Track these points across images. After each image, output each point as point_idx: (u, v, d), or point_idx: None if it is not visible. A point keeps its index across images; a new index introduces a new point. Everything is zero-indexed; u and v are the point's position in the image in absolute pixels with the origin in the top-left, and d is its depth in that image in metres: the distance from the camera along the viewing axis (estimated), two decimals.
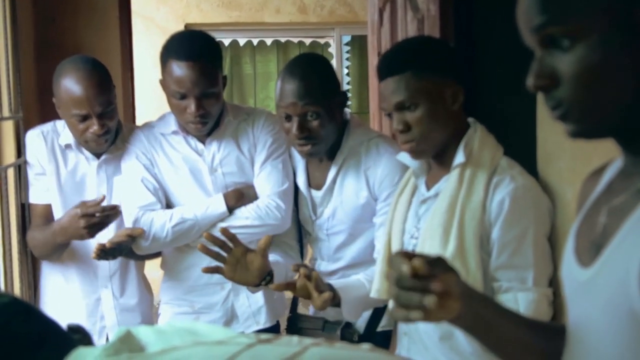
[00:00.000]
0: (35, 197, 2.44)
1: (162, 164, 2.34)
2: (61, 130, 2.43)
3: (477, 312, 1.09)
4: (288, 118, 2.13)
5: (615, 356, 0.94)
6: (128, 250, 2.30)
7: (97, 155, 2.41)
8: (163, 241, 2.26)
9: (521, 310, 1.70)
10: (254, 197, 2.32)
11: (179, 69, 2.18)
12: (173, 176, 2.34)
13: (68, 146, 2.40)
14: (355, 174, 2.21)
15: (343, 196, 2.23)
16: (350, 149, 2.22)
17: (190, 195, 2.32)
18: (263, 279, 2.07)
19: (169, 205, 2.35)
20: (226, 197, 2.30)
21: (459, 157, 1.81)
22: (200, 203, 2.29)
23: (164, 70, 2.24)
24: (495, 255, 1.76)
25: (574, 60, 0.93)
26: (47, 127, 2.46)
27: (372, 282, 2.07)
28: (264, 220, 2.27)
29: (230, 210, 2.29)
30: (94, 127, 2.26)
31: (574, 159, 1.77)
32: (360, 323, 2.29)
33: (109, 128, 2.31)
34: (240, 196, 2.31)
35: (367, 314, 2.28)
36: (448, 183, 1.82)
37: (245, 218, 2.27)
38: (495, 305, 1.15)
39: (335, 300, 2.02)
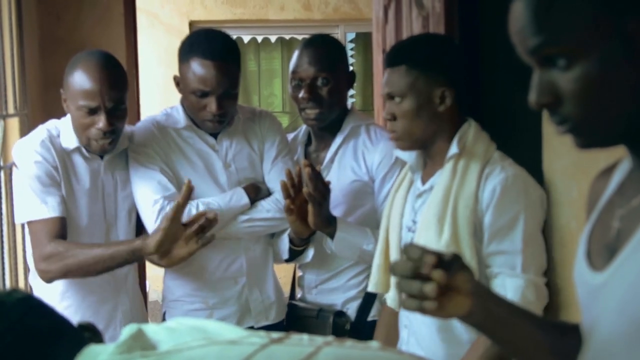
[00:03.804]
0: (47, 209, 2.15)
1: (177, 158, 2.33)
2: (61, 132, 2.26)
3: (489, 310, 1.09)
4: (299, 86, 2.31)
5: None
6: None
7: (100, 156, 2.28)
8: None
9: (509, 295, 1.72)
10: (267, 192, 2.35)
11: (204, 67, 2.20)
12: (189, 170, 2.32)
13: (73, 150, 2.24)
14: (353, 152, 2.36)
15: (340, 172, 2.32)
16: (351, 130, 2.37)
17: (205, 189, 2.32)
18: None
19: None
20: (246, 190, 2.32)
21: (453, 149, 1.86)
22: (221, 195, 2.30)
23: (185, 67, 2.25)
24: (487, 241, 1.80)
25: (574, 78, 0.93)
26: (45, 131, 2.25)
27: (376, 233, 2.19)
28: (284, 213, 2.29)
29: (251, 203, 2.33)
30: (101, 122, 2.13)
31: (580, 156, 1.77)
32: (351, 312, 2.35)
33: (116, 129, 2.18)
34: (258, 190, 2.35)
35: (357, 303, 2.34)
36: (442, 175, 1.86)
37: (266, 211, 2.31)
38: (507, 304, 1.15)
39: (331, 229, 2.21)
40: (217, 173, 2.34)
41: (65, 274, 2.15)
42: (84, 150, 2.25)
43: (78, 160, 2.27)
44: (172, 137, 2.34)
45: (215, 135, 2.36)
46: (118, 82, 2.19)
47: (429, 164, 1.95)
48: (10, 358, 1.01)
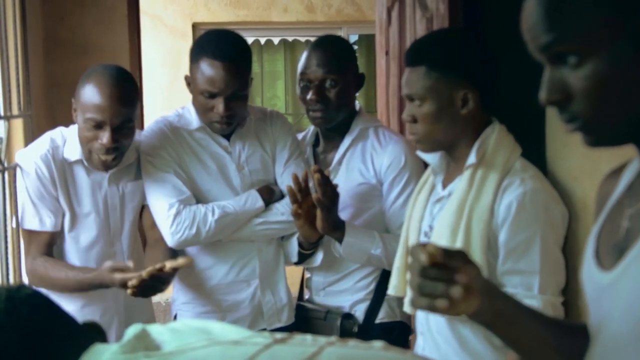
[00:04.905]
0: (41, 224, 2.23)
1: (190, 160, 2.32)
2: (67, 142, 2.26)
3: (497, 308, 1.09)
4: (307, 87, 2.31)
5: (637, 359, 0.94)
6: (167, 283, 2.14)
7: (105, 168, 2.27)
8: (205, 235, 2.23)
9: None
10: (280, 194, 2.35)
11: (213, 68, 2.18)
12: (202, 173, 2.32)
13: (76, 162, 2.24)
14: (362, 155, 2.35)
15: (348, 174, 2.32)
16: (359, 132, 2.37)
17: (218, 192, 2.31)
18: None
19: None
20: (260, 192, 2.31)
21: (471, 158, 1.79)
22: (236, 198, 2.29)
23: (194, 67, 2.24)
24: (502, 260, 1.74)
25: (584, 76, 0.93)
26: (49, 142, 2.25)
27: (383, 237, 2.23)
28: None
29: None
30: (105, 138, 2.11)
31: (583, 158, 1.77)
32: (359, 314, 2.35)
33: (121, 146, 2.16)
34: (271, 193, 2.34)
35: (365, 305, 2.34)
36: (459, 184, 1.81)
37: (281, 214, 2.31)
38: (515, 302, 1.15)
39: (339, 233, 2.20)
40: (231, 175, 2.33)
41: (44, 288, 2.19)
42: (85, 162, 2.24)
43: (79, 172, 2.26)
44: (185, 138, 2.33)
45: (227, 137, 2.34)
46: (127, 100, 2.16)
47: (452, 167, 1.88)
48: (19, 354, 1.02)
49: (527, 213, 1.72)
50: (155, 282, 2.03)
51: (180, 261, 2.05)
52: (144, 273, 1.99)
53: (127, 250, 2.33)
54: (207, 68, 2.19)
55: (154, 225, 2.31)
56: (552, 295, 1.74)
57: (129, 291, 2.02)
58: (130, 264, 2.08)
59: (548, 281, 1.73)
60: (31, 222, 2.23)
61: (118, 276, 2.05)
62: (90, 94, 2.13)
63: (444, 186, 1.89)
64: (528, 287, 1.72)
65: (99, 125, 2.12)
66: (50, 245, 2.25)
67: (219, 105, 2.20)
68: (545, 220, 1.74)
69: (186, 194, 2.26)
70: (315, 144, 2.50)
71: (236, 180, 2.33)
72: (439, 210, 1.86)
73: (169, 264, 2.02)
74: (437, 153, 1.90)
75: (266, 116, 2.42)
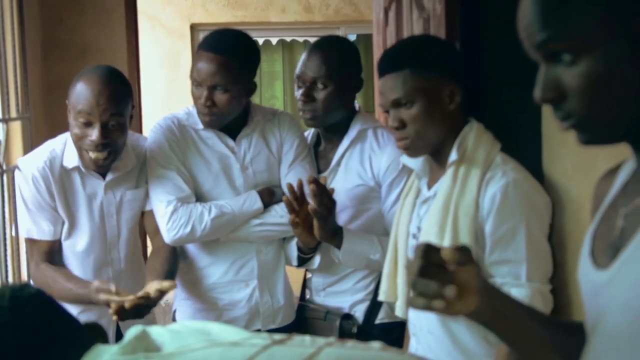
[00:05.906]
0: (39, 232, 2.24)
1: (194, 159, 2.33)
2: (63, 151, 2.25)
3: (495, 307, 1.09)
4: (300, 88, 2.30)
5: (633, 357, 0.94)
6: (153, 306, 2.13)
7: (103, 176, 2.27)
8: (200, 234, 2.25)
9: None
10: (281, 196, 2.32)
11: (200, 58, 2.24)
12: (204, 172, 2.33)
13: (73, 169, 2.24)
14: (360, 156, 2.33)
15: (347, 175, 2.32)
16: (358, 133, 2.34)
17: (220, 191, 2.32)
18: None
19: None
20: (260, 194, 2.32)
21: (453, 156, 1.81)
22: (235, 198, 2.30)
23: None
24: (489, 251, 1.76)
25: (578, 74, 0.94)
26: (49, 152, 2.25)
27: (382, 241, 2.21)
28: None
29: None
30: (94, 135, 2.11)
31: (579, 157, 1.78)
32: (359, 314, 2.35)
33: (111, 143, 2.15)
34: (272, 194, 2.35)
35: (364, 306, 2.34)
36: (443, 182, 1.83)
37: (280, 216, 2.31)
38: (513, 301, 1.15)
39: (337, 240, 2.20)
40: (234, 175, 2.34)
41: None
42: (82, 169, 2.24)
43: (76, 179, 2.26)
44: (192, 137, 2.34)
45: (234, 137, 2.35)
46: (115, 96, 2.14)
47: (435, 169, 1.90)
48: (22, 353, 1.02)
49: (511, 203, 1.74)
50: (139, 308, 2.03)
51: (165, 284, 2.06)
52: (127, 303, 1.99)
53: (125, 257, 2.33)
54: (197, 57, 2.25)
55: (157, 232, 2.31)
56: (540, 283, 1.76)
57: (113, 317, 2.03)
58: (112, 287, 2.05)
59: (535, 269, 1.75)
60: (31, 231, 2.24)
61: (102, 297, 2.04)
62: (78, 92, 2.14)
63: (429, 188, 1.90)
64: (516, 276, 1.74)
65: (88, 123, 2.13)
66: (52, 252, 2.26)
67: (202, 94, 2.22)
68: (529, 209, 1.76)
69: (186, 192, 2.27)
70: (317, 143, 2.50)
71: (239, 180, 2.34)
72: (426, 211, 1.87)
73: (155, 286, 2.03)
74: (420, 157, 1.91)
75: (275, 117, 2.43)
